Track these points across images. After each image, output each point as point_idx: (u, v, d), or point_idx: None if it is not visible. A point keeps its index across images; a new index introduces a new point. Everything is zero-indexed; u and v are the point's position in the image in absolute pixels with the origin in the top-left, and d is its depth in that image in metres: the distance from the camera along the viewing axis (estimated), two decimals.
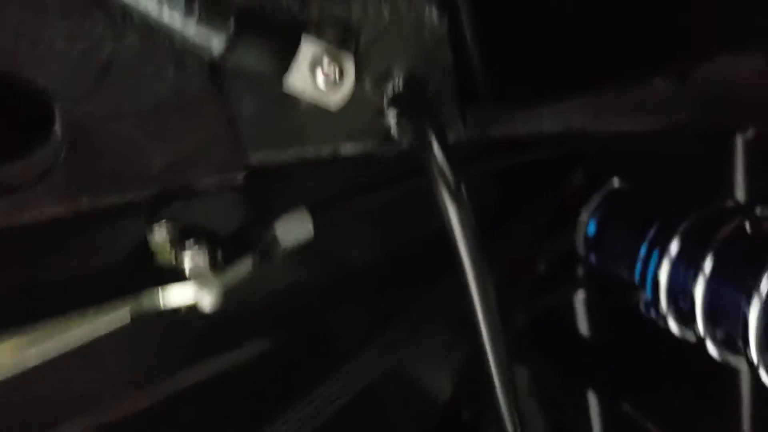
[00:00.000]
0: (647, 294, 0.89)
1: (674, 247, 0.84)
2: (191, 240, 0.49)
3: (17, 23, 0.41)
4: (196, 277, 0.48)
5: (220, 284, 0.48)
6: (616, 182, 1.01)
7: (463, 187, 0.48)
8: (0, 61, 0.41)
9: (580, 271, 1.10)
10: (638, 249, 0.90)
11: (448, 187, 0.48)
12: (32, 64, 0.42)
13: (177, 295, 0.49)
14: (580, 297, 1.10)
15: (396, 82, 0.50)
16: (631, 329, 0.99)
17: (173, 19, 0.40)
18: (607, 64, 0.59)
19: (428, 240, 0.72)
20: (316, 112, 0.49)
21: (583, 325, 1.07)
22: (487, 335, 0.51)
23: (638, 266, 0.90)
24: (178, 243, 0.50)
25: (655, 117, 0.58)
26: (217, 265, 0.49)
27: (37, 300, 0.49)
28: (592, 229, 1.01)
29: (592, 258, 1.01)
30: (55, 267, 0.55)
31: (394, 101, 0.50)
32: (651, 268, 0.88)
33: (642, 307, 0.90)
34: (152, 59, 0.43)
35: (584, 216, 1.01)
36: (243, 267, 0.51)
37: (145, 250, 0.51)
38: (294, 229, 0.53)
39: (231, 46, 0.42)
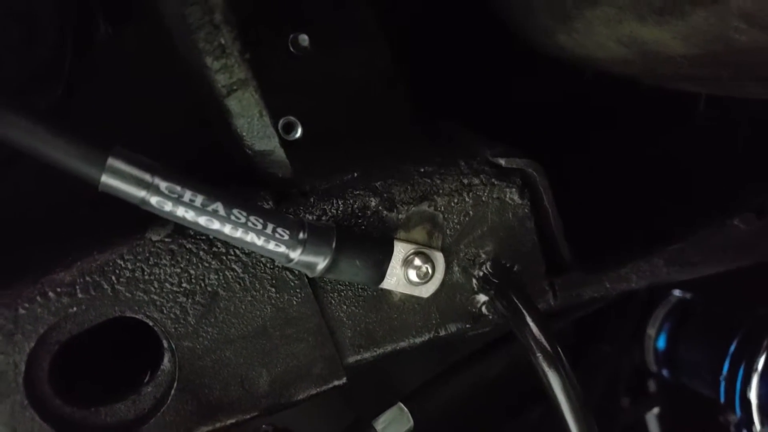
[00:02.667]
0: (736, 415, 0.85)
1: (762, 362, 0.81)
2: None
3: (131, 270, 0.42)
4: None
5: None
6: (677, 292, 0.98)
7: (562, 354, 0.48)
8: (115, 306, 0.42)
9: (651, 385, 1.05)
10: (720, 366, 0.87)
11: (548, 357, 0.47)
12: (143, 306, 0.43)
13: None
14: (653, 413, 1.05)
15: (485, 264, 0.50)
16: None
17: (278, 249, 0.41)
18: (684, 212, 0.59)
19: None
20: (410, 301, 0.49)
21: None
22: None
23: (722, 384, 0.86)
24: None
25: (738, 255, 0.58)
26: None
27: None
28: (662, 343, 0.98)
29: (665, 373, 0.98)
30: None
31: (484, 281, 0.50)
32: (738, 386, 0.84)
33: (732, 429, 0.86)
34: (255, 284, 0.44)
35: (652, 330, 0.98)
36: None
37: None
38: (395, 425, 0.51)
39: (332, 265, 0.42)
